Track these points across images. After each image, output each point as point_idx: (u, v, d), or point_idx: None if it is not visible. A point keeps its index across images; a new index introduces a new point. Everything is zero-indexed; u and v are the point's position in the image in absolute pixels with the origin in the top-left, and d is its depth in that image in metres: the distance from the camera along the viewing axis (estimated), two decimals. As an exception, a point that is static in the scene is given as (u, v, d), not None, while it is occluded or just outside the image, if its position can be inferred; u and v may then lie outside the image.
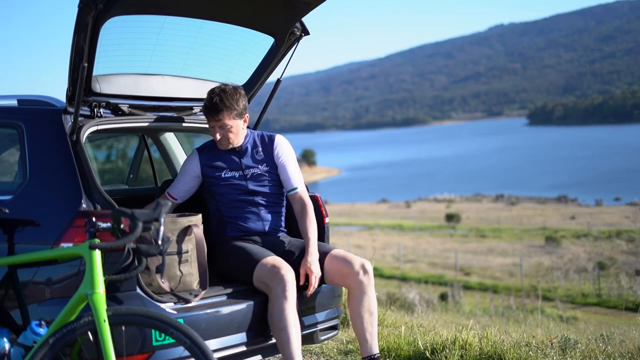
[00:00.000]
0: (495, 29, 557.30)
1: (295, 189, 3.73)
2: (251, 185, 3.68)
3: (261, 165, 3.73)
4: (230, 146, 3.67)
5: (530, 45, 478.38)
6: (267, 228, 3.69)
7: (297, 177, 3.76)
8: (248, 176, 3.70)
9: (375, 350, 3.53)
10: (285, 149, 3.80)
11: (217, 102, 3.55)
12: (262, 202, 3.70)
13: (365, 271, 3.53)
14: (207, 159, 3.70)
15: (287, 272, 3.33)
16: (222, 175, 3.67)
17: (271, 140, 3.80)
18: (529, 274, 33.84)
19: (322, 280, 3.58)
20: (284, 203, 3.82)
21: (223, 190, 3.67)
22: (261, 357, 3.45)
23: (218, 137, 3.62)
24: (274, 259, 3.41)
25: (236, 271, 3.51)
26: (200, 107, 4.05)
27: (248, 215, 3.67)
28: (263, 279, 3.37)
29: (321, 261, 3.56)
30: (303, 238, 3.63)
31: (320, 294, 3.65)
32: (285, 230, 3.82)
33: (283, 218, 3.81)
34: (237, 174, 3.69)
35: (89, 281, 2.74)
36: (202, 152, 3.73)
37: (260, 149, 3.77)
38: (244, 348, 3.28)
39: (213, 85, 4.03)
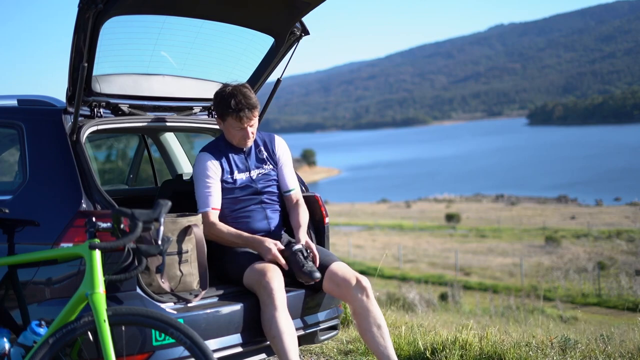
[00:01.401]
0: (495, 29, 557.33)
1: (291, 190, 3.80)
2: (259, 185, 3.70)
3: (265, 165, 3.76)
4: (250, 143, 3.70)
5: (530, 45, 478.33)
6: (272, 227, 3.70)
7: (293, 179, 3.84)
8: (254, 176, 3.71)
9: None
10: (285, 150, 3.86)
11: (249, 100, 3.56)
12: (268, 200, 3.73)
13: (362, 289, 3.49)
14: (219, 160, 3.67)
15: (273, 279, 3.31)
16: (233, 177, 3.67)
17: (271, 140, 3.83)
18: (529, 274, 33.82)
19: (320, 287, 3.58)
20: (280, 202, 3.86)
21: (230, 193, 3.66)
22: (265, 356, 3.44)
23: (250, 135, 3.65)
24: (260, 266, 3.39)
25: (229, 273, 3.52)
26: (201, 107, 4.06)
27: (254, 215, 3.67)
28: (250, 284, 3.38)
29: (321, 272, 3.53)
30: (293, 227, 3.66)
31: (320, 294, 3.65)
32: (285, 227, 3.83)
33: (282, 217, 3.83)
34: (245, 175, 3.70)
35: (89, 281, 2.74)
36: (212, 154, 3.68)
37: (262, 148, 3.80)
38: (244, 348, 3.28)
39: (213, 85, 4.04)
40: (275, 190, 3.78)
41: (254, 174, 3.72)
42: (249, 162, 3.72)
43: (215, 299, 3.32)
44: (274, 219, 3.73)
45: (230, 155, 3.70)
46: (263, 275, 3.32)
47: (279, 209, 3.79)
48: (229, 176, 3.66)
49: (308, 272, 3.40)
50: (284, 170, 3.81)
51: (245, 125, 3.60)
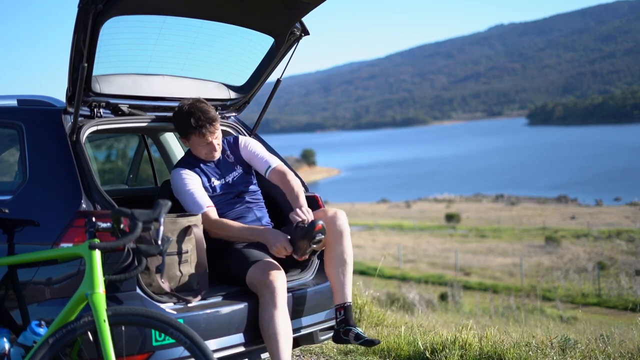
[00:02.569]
0: (495, 29, 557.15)
1: (271, 165, 3.75)
2: (240, 188, 3.76)
3: (237, 168, 3.81)
4: (218, 155, 3.72)
5: (530, 45, 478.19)
6: (263, 224, 3.73)
7: (269, 156, 3.81)
8: (230, 182, 3.76)
9: (348, 299, 3.54)
10: (249, 141, 3.88)
11: (207, 115, 3.58)
12: (252, 200, 3.79)
13: (337, 219, 3.55)
14: (193, 171, 3.70)
15: (277, 277, 3.32)
16: (212, 185, 3.71)
17: (235, 141, 3.89)
18: (529, 274, 33.82)
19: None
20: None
21: (214, 200, 3.68)
22: (262, 356, 3.44)
23: (217, 147, 3.68)
24: (265, 263, 3.40)
25: (231, 272, 3.52)
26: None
27: (244, 215, 3.71)
28: (253, 282, 3.38)
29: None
30: (293, 204, 3.57)
31: (320, 294, 3.65)
32: (273, 224, 3.86)
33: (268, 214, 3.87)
34: (221, 182, 3.74)
35: (89, 281, 2.74)
36: (185, 167, 3.71)
37: (230, 152, 3.85)
38: (244, 348, 3.29)
39: (213, 85, 4.05)
40: (256, 189, 3.83)
41: (230, 178, 3.77)
42: (221, 169, 3.77)
43: (219, 298, 3.32)
44: (263, 216, 3.78)
45: (202, 166, 3.74)
46: (267, 273, 3.33)
47: (263, 204, 3.85)
48: (208, 184, 3.70)
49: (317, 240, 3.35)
50: (255, 154, 3.81)
51: (210, 139, 3.63)
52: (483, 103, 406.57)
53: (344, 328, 3.51)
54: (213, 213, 3.56)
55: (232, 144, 3.87)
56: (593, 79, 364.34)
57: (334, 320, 3.70)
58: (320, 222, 3.35)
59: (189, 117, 3.58)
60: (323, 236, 3.38)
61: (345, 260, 3.55)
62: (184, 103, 3.66)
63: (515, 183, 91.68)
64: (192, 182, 3.63)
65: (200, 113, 3.58)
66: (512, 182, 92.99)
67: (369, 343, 3.45)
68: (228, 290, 3.40)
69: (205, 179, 3.70)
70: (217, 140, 3.68)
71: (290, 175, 3.69)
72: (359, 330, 3.51)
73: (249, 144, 3.86)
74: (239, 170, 3.81)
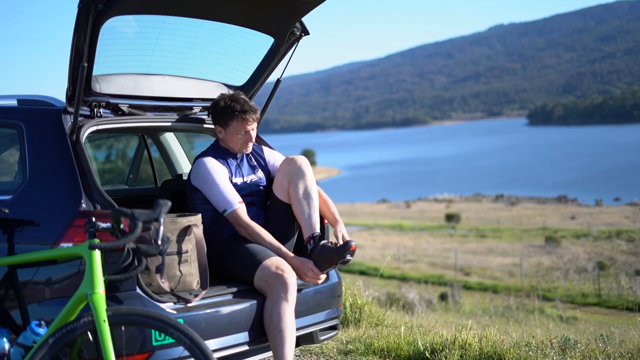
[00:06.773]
0: (495, 29, 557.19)
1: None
2: (253, 188, 3.77)
3: (256, 172, 3.84)
4: (251, 148, 3.79)
5: (530, 45, 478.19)
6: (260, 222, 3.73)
7: None
8: (249, 182, 3.78)
9: (316, 230, 3.60)
10: (275, 155, 3.95)
11: (250, 103, 3.69)
12: (258, 203, 3.79)
13: (297, 160, 3.66)
14: (220, 162, 3.72)
15: (291, 275, 3.36)
16: (233, 182, 3.71)
17: (260, 150, 3.94)
18: (529, 274, 33.83)
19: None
20: None
21: None
22: (262, 357, 3.44)
23: (253, 138, 3.74)
24: (277, 261, 3.42)
25: (237, 271, 3.51)
26: (201, 107, 4.06)
27: (249, 214, 3.69)
28: (266, 280, 3.37)
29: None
30: (330, 221, 3.77)
31: (320, 294, 3.66)
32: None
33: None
34: (240, 179, 3.75)
35: (89, 281, 2.74)
36: (214, 157, 3.72)
37: (252, 156, 3.88)
38: (244, 348, 3.28)
39: (213, 85, 4.05)
40: (264, 196, 3.84)
41: (248, 179, 3.79)
42: (243, 168, 3.79)
43: (227, 297, 3.32)
44: (262, 217, 3.78)
45: (225, 161, 3.75)
46: (283, 270, 3.36)
47: (264, 210, 3.85)
48: (230, 178, 3.70)
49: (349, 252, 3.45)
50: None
51: (249, 127, 3.67)
52: (483, 103, 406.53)
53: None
54: (243, 211, 3.57)
55: (257, 150, 3.93)
56: (593, 79, 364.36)
57: (308, 249, 3.64)
58: (354, 243, 3.42)
59: (232, 103, 3.66)
60: (351, 259, 3.44)
61: (309, 195, 3.63)
62: (224, 94, 3.75)
63: (515, 183, 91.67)
64: (222, 174, 3.63)
65: (244, 101, 3.68)
66: (512, 182, 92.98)
67: (343, 247, 3.45)
68: (235, 289, 3.40)
69: (229, 172, 3.71)
70: (254, 132, 3.73)
71: (324, 195, 3.81)
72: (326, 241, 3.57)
73: (276, 160, 3.92)
74: (258, 175, 3.84)
